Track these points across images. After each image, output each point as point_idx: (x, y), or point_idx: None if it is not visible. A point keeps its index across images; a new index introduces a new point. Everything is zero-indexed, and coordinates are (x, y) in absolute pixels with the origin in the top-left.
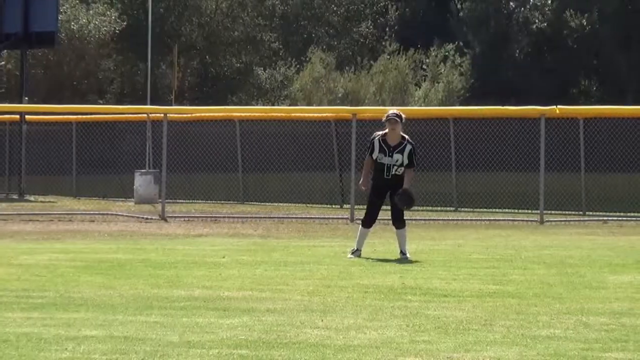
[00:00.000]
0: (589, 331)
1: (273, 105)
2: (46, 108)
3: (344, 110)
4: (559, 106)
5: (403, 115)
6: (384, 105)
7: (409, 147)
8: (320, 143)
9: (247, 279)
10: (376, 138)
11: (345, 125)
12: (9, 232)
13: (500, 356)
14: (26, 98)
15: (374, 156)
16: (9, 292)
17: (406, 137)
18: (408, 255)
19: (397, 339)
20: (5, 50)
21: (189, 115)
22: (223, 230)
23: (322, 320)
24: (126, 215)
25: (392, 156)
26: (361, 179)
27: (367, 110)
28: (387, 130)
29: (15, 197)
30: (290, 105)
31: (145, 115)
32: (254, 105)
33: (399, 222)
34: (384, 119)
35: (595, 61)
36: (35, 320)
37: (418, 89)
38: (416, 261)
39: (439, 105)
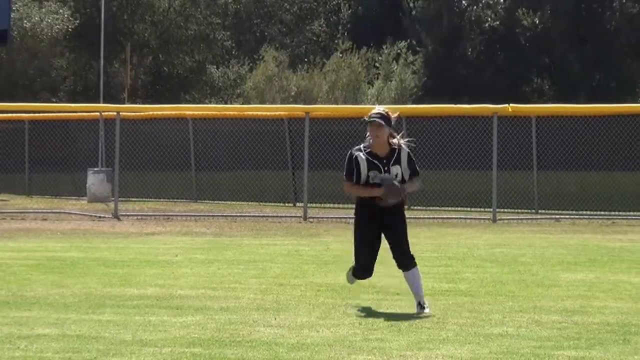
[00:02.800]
0: (541, 329)
1: (226, 103)
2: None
3: (297, 109)
4: (511, 105)
5: (392, 115)
6: (336, 103)
7: (405, 153)
8: (273, 141)
9: (200, 277)
10: (358, 155)
11: (298, 124)
12: None
13: (452, 354)
14: None
15: (363, 179)
16: None
17: (396, 140)
18: (427, 308)
19: (350, 337)
20: None
21: (142, 113)
22: (176, 229)
23: (275, 319)
24: (79, 214)
25: (389, 171)
26: (362, 193)
27: (320, 109)
28: (369, 138)
29: None
30: (243, 103)
31: (98, 113)
32: (207, 103)
33: (406, 258)
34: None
35: (547, 59)
36: None
37: (371, 87)
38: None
39: (392, 104)
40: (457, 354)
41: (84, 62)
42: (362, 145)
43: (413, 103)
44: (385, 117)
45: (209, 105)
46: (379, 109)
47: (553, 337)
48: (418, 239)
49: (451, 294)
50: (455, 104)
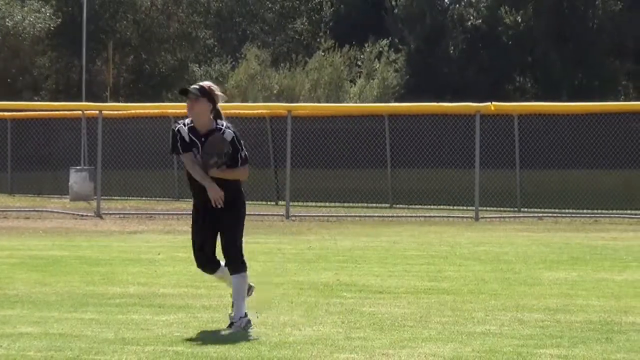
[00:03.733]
0: (524, 327)
1: None
2: None
3: (279, 107)
4: (494, 103)
5: (216, 91)
6: (319, 101)
7: (229, 135)
8: (255, 140)
9: (183, 275)
10: (180, 128)
11: (281, 122)
12: None
13: (435, 352)
14: None
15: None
16: None
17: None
18: (236, 326)
19: (332, 336)
20: None
21: (124, 112)
22: (158, 227)
23: (257, 317)
24: (61, 212)
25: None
26: (196, 175)
27: (302, 107)
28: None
29: None
30: (226, 102)
31: (80, 112)
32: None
33: (231, 261)
34: None
35: (530, 58)
36: None
37: (353, 85)
38: (350, 259)
39: (375, 102)
40: (440, 352)
41: (65, 61)
42: (187, 120)
43: (395, 101)
44: (206, 91)
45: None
46: (202, 83)
47: (536, 335)
48: (401, 237)
49: (434, 293)
50: (438, 102)
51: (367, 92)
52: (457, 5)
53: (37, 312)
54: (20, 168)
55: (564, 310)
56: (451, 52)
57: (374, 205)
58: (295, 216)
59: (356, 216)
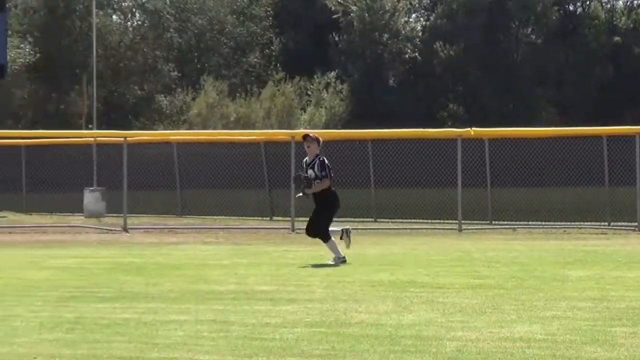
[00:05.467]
0: (582, 312)
1: (173, 129)
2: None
3: (281, 134)
4: (473, 128)
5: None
6: (272, 128)
7: (317, 162)
8: (251, 163)
9: (263, 276)
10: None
11: (276, 147)
12: (2, 242)
13: (527, 330)
14: None
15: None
16: (75, 289)
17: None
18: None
19: (435, 319)
20: None
21: (150, 138)
22: (188, 239)
23: (359, 307)
24: (92, 227)
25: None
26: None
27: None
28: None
29: None
30: (188, 129)
31: (93, 139)
32: (155, 129)
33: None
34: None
35: (461, 87)
36: (123, 310)
37: (303, 113)
38: (390, 262)
39: (323, 129)
40: (532, 330)
41: (42, 93)
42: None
43: (342, 128)
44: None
45: (195, 132)
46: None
47: (597, 318)
48: (411, 245)
49: (486, 288)
50: (381, 128)
51: (317, 119)
52: (395, 39)
53: (172, 304)
54: (35, 190)
55: (606, 299)
56: (390, 82)
57: (360, 219)
58: (300, 229)
59: (352, 229)
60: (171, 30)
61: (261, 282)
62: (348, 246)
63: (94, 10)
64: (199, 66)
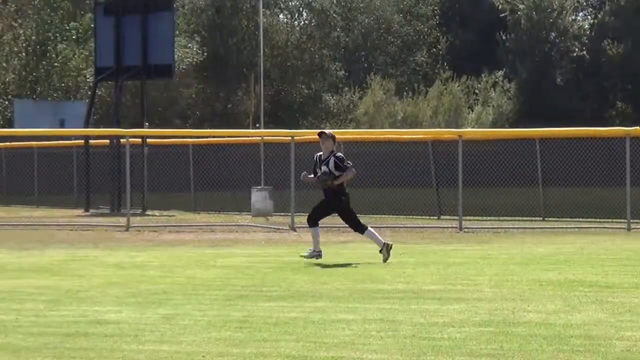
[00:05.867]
0: None
1: (340, 128)
2: (167, 132)
3: (448, 133)
4: None
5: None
6: (439, 127)
7: (332, 159)
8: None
9: (431, 275)
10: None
11: (447, 146)
12: (171, 240)
13: None
14: (147, 123)
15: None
16: (242, 288)
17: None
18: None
19: (604, 319)
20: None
21: (298, 137)
22: (356, 237)
23: (528, 306)
24: (260, 226)
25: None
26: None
27: (471, 132)
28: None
29: (138, 212)
30: (355, 127)
31: (260, 138)
32: (322, 128)
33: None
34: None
35: (630, 85)
36: (291, 308)
37: (471, 112)
38: (557, 261)
39: (490, 127)
40: None
41: (209, 92)
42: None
43: (510, 126)
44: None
45: (359, 130)
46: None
47: None
48: (582, 244)
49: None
50: (550, 127)
51: (484, 118)
52: (563, 38)
53: (340, 303)
54: (202, 188)
55: None
56: (558, 80)
57: (528, 218)
58: (467, 228)
59: (520, 228)
60: (338, 29)
61: (429, 282)
62: (385, 260)
63: (261, 9)
64: (365, 65)
